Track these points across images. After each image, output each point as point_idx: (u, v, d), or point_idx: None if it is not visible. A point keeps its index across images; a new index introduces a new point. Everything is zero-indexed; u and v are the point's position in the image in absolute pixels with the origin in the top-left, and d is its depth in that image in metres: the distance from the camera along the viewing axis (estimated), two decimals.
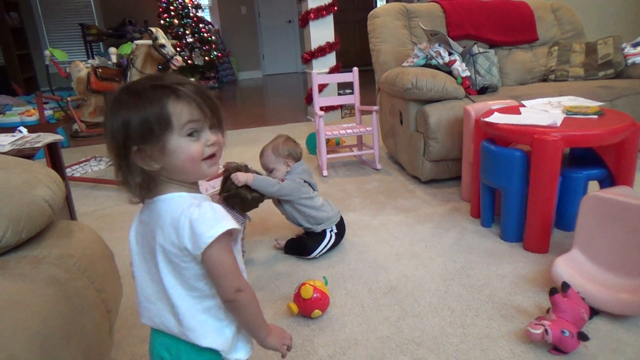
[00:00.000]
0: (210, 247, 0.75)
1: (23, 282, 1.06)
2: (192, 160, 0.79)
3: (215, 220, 0.77)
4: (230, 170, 1.86)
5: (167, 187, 0.82)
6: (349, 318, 1.56)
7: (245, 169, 1.88)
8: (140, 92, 0.77)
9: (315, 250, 1.94)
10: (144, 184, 0.80)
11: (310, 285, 1.55)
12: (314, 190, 1.97)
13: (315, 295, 1.53)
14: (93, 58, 3.52)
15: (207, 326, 0.83)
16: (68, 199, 2.03)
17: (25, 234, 1.17)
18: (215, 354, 0.84)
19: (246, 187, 1.82)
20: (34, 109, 5.03)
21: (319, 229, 1.96)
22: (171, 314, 0.83)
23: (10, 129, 2.16)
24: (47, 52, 3.36)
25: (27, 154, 1.68)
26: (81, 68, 3.20)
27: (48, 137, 1.90)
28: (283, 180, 1.91)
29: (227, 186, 1.83)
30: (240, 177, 1.81)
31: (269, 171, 1.96)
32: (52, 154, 1.99)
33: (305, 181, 1.94)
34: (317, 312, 1.54)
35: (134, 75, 2.99)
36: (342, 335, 1.48)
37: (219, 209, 0.79)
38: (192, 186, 0.84)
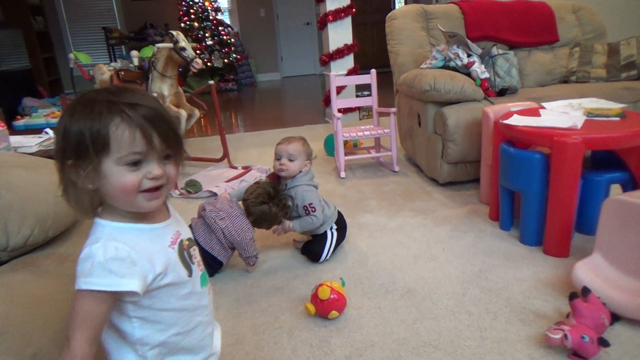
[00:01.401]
0: (77, 290, 0.71)
1: (49, 279, 1.10)
2: (124, 191, 0.72)
3: (88, 273, 0.70)
4: (265, 185, 1.88)
5: (106, 209, 0.77)
6: (366, 319, 1.57)
7: (281, 193, 1.89)
8: (92, 103, 0.70)
9: (322, 254, 1.94)
10: (91, 201, 0.75)
11: (327, 286, 1.56)
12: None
13: (332, 296, 1.54)
14: (115, 61, 3.59)
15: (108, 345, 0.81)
16: None
17: (52, 232, 1.21)
18: None
19: (274, 206, 1.84)
20: (58, 111, 5.16)
21: (321, 230, 1.96)
22: None
23: (36, 130, 2.22)
24: (71, 56, 3.43)
25: (53, 155, 1.73)
26: (104, 71, 3.27)
27: None
28: (285, 173, 1.91)
29: (259, 197, 1.84)
30: (286, 228, 1.91)
31: (288, 159, 1.88)
32: None
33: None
34: (334, 313, 1.55)
35: (155, 78, 3.05)
36: (359, 336, 1.49)
37: (102, 262, 0.70)
38: (138, 216, 0.77)
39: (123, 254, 0.71)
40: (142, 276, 0.73)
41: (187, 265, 0.82)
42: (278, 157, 1.90)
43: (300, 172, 1.91)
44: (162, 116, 0.73)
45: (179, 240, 0.83)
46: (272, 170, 2.03)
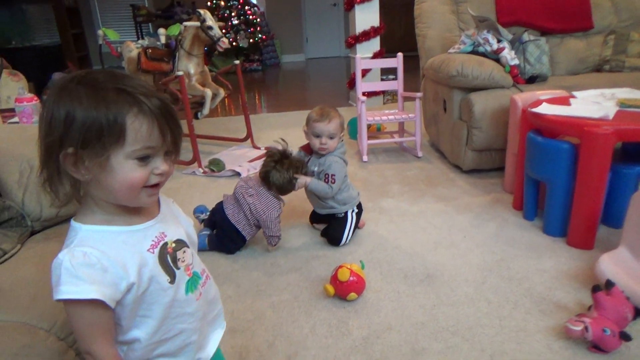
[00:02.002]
0: (58, 301, 0.66)
1: None
2: (131, 187, 0.68)
3: (57, 282, 0.65)
4: (273, 153, 1.88)
5: (85, 206, 0.71)
6: (384, 303, 1.58)
7: (288, 153, 1.89)
8: (98, 89, 0.64)
9: (342, 237, 1.95)
10: (69, 193, 0.69)
11: (347, 268, 1.57)
12: None
13: (351, 278, 1.55)
14: (143, 38, 3.61)
15: None
16: None
17: None
18: None
19: (283, 166, 1.84)
20: None
21: (343, 209, 1.97)
22: None
23: None
24: (100, 32, 3.47)
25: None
26: (132, 48, 3.30)
27: None
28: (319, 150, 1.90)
29: (267, 166, 1.87)
30: (301, 183, 1.88)
31: (329, 138, 1.88)
32: None
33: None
34: (352, 295, 1.57)
35: (182, 57, 3.07)
36: (377, 319, 1.50)
37: (69, 268, 0.65)
38: (117, 215, 0.72)
39: (92, 260, 0.66)
40: (114, 284, 0.68)
41: (170, 270, 0.76)
42: (317, 135, 1.89)
43: (341, 137, 1.93)
44: (173, 110, 0.70)
45: (161, 243, 0.76)
46: (294, 150, 2.02)
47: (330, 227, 2.00)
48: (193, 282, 0.81)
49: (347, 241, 1.97)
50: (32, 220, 1.21)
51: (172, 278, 0.76)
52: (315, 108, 1.93)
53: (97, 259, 0.66)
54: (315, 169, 1.94)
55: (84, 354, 0.70)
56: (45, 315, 0.93)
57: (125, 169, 0.66)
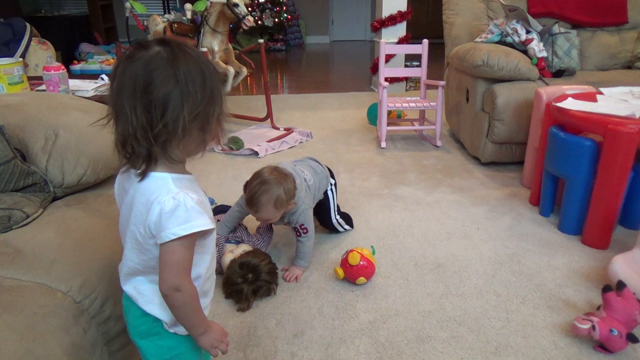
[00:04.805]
0: (171, 241, 0.73)
1: (98, 217, 1.17)
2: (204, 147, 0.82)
3: (186, 219, 0.73)
4: (234, 281, 1.54)
5: (156, 164, 0.76)
6: (393, 289, 1.60)
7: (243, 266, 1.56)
8: (213, 78, 0.78)
9: (331, 217, 1.87)
10: (146, 156, 0.74)
11: (358, 252, 1.59)
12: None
13: (362, 262, 1.57)
14: (169, 12, 3.63)
15: (153, 295, 0.82)
16: None
17: (103, 175, 1.28)
18: (157, 323, 0.84)
19: (251, 284, 1.53)
20: (113, 58, 5.31)
21: (321, 196, 1.84)
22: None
23: (91, 75, 2.31)
24: (127, 4, 3.49)
25: (107, 101, 1.81)
26: (158, 22, 3.31)
27: None
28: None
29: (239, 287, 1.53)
30: (298, 273, 1.67)
31: (266, 220, 1.65)
32: None
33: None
34: (361, 279, 1.59)
35: (207, 33, 3.07)
36: (384, 304, 1.52)
37: (194, 206, 0.74)
38: (181, 165, 0.80)
39: (199, 199, 0.76)
40: (210, 218, 0.78)
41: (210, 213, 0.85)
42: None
43: (290, 208, 1.63)
44: None
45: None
46: (312, 135, 1.99)
47: (318, 217, 1.90)
48: None
49: (337, 216, 1.89)
50: (54, 187, 1.24)
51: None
52: (252, 182, 1.58)
53: (199, 199, 0.76)
54: (285, 221, 1.71)
55: (172, 291, 0.76)
56: (63, 279, 0.96)
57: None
